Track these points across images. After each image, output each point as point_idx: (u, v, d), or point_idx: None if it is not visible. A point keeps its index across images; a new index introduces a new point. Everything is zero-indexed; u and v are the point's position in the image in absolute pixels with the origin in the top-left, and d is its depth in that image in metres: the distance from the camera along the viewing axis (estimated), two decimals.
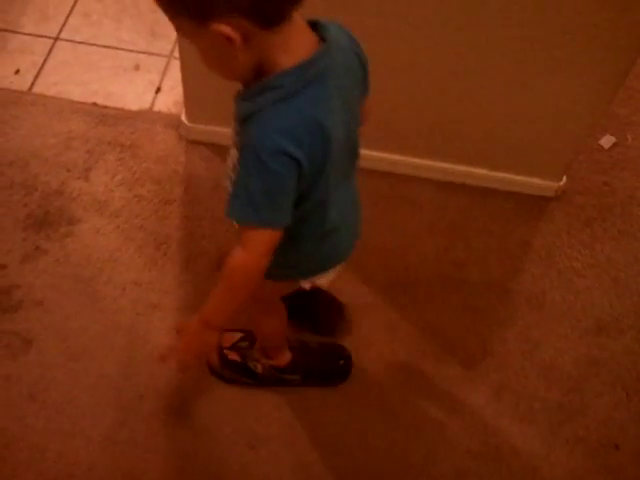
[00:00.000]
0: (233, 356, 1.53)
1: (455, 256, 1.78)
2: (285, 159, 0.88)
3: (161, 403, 1.51)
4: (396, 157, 1.87)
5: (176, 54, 2.08)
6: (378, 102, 1.69)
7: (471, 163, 1.87)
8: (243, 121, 0.93)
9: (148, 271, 1.68)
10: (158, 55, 2.09)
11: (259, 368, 1.53)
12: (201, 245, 1.73)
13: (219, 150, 1.88)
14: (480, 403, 1.58)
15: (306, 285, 1.22)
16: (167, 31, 2.13)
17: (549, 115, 1.70)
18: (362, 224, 1.24)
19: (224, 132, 1.84)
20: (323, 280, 1.22)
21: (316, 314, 1.63)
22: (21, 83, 1.98)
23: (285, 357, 1.53)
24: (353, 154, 1.07)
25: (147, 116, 1.95)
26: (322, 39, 0.92)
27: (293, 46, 0.88)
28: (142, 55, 2.09)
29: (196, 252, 1.72)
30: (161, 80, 2.04)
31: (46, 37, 2.08)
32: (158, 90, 2.02)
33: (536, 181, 1.87)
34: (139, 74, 2.05)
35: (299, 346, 1.55)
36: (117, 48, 2.08)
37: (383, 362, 1.61)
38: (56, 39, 2.08)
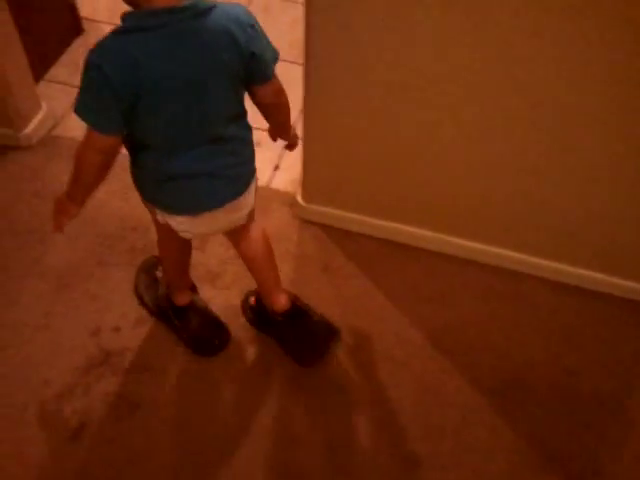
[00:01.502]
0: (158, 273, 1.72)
1: (566, 363, 1.71)
2: (99, 72, 1.12)
3: None
4: (510, 253, 1.84)
5: (296, 133, 2.15)
6: (496, 199, 1.71)
7: (587, 266, 1.81)
8: None
9: (257, 346, 1.70)
10: None
11: (157, 290, 1.70)
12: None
13: (332, 232, 1.92)
14: None
15: (159, 218, 1.40)
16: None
17: None
18: (230, 198, 1.38)
19: (338, 215, 1.91)
20: (173, 223, 1.39)
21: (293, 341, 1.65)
22: None
23: (180, 299, 1.66)
24: (204, 120, 1.24)
25: (264, 193, 2.00)
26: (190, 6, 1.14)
27: (159, 2, 1.12)
28: (264, 133, 2.16)
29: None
30: (280, 158, 2.11)
31: None
32: (276, 168, 2.08)
33: None
34: (260, 150, 2.08)
35: (198, 307, 1.68)
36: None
37: (481, 471, 1.55)
38: None
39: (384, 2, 1.40)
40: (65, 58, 2.36)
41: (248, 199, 1.44)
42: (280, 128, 1.48)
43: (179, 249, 1.58)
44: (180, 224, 1.39)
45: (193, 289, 1.71)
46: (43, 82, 2.26)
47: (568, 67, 1.41)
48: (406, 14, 1.41)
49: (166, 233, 1.47)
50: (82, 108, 1.18)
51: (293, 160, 2.06)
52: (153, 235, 1.63)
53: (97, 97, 1.16)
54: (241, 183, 1.40)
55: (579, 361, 1.71)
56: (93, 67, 1.13)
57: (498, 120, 1.55)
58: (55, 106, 2.18)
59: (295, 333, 1.63)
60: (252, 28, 1.23)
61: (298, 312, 1.62)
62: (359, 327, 1.74)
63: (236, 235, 1.55)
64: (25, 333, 1.69)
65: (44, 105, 2.12)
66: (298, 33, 2.07)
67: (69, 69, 2.31)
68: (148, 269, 1.77)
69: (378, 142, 1.70)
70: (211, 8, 1.18)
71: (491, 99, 1.51)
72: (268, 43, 1.29)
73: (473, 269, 1.87)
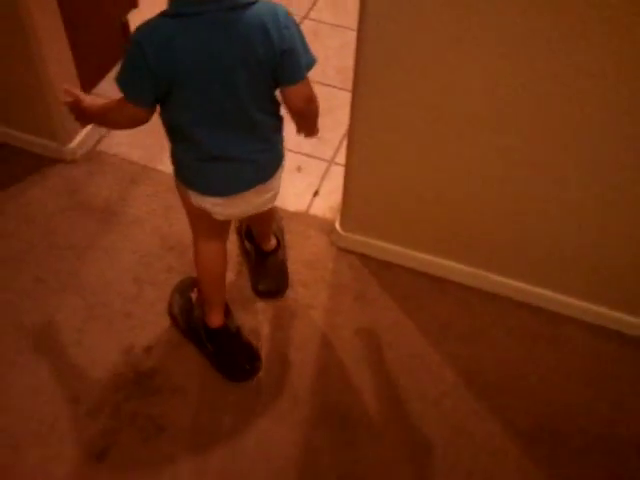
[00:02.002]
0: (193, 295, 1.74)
1: (603, 410, 1.65)
2: (138, 48, 1.21)
3: None
4: (549, 293, 1.79)
5: (337, 160, 2.15)
6: (537, 238, 1.68)
7: (629, 311, 1.76)
8: None
9: (283, 372, 1.68)
10: (320, 159, 2.16)
11: (192, 312, 1.71)
12: (336, 355, 1.72)
13: (368, 261, 1.90)
14: None
15: (193, 201, 1.46)
16: (331, 137, 2.21)
17: None
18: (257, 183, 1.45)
19: (375, 244, 1.89)
20: (207, 205, 1.45)
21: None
22: None
23: (214, 319, 1.64)
24: (236, 106, 1.30)
25: (303, 218, 2.00)
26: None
27: None
28: (305, 158, 2.17)
29: (332, 362, 1.71)
30: (320, 184, 2.10)
31: None
32: (316, 193, 2.08)
33: None
34: (300, 176, 2.13)
35: (231, 330, 1.66)
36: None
37: None
38: None
39: (436, 33, 1.39)
40: (114, 73, 2.39)
41: (275, 183, 1.51)
42: (307, 131, 1.49)
43: (211, 260, 1.60)
44: (214, 206, 1.45)
45: (227, 313, 1.70)
46: (92, 96, 2.29)
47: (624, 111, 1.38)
48: (457, 45, 1.40)
49: (197, 220, 1.55)
50: (120, 78, 1.28)
51: (333, 187, 2.06)
52: (191, 256, 1.64)
53: (133, 71, 1.26)
54: (270, 168, 1.46)
55: (616, 409, 1.65)
56: (134, 43, 1.23)
57: (545, 158, 1.52)
58: None
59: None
60: (287, 29, 1.27)
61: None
62: (391, 361, 1.71)
63: None
64: (57, 348, 1.70)
65: None
66: (345, 59, 2.08)
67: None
68: (183, 291, 1.78)
69: (421, 173, 1.68)
70: (251, 3, 1.24)
71: (542, 136, 1.49)
72: (304, 47, 1.32)
73: (510, 307, 1.83)
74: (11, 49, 1.86)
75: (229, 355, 1.67)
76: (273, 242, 1.84)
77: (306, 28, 2.56)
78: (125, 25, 2.39)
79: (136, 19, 2.48)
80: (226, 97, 1.28)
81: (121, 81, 1.28)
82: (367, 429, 1.60)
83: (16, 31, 1.79)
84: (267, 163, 1.45)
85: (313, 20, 2.61)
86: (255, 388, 1.65)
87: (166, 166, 2.04)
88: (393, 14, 1.39)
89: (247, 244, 1.88)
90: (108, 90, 2.31)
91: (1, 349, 1.69)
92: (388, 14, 1.39)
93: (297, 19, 2.56)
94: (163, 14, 1.23)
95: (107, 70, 2.37)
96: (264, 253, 1.83)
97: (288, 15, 1.28)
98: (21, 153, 2.11)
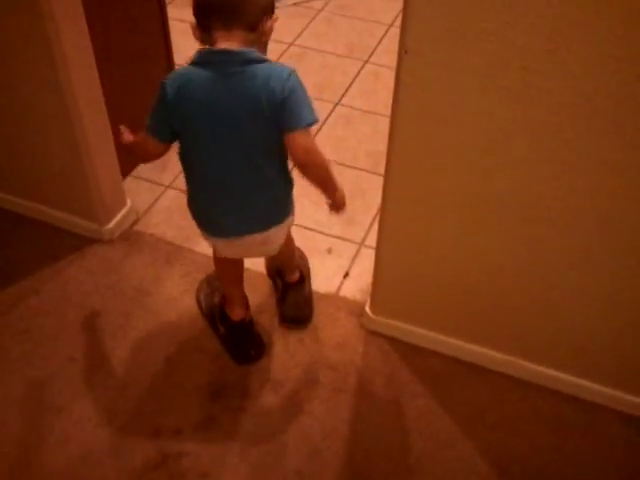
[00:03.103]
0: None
1: None
2: (162, 89, 1.41)
3: None
4: (584, 382, 1.76)
5: (367, 242, 2.18)
6: (572, 326, 1.66)
7: None
8: None
9: (311, 461, 1.66)
10: (350, 241, 2.19)
11: (214, 298, 1.92)
12: (365, 442, 1.70)
13: (399, 345, 1.89)
14: None
15: (205, 239, 1.65)
16: (362, 219, 2.25)
17: None
18: (249, 229, 1.57)
19: (406, 328, 1.89)
20: (209, 243, 1.66)
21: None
22: None
23: (233, 313, 1.83)
24: (240, 151, 1.44)
25: (332, 300, 2.01)
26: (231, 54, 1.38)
27: (217, 44, 1.39)
28: (335, 239, 2.20)
29: (360, 450, 1.68)
30: (350, 266, 2.12)
31: None
32: (346, 275, 2.09)
33: None
34: (330, 257, 2.15)
35: (246, 322, 1.85)
36: (314, 230, 2.21)
37: None
38: None
39: (466, 124, 1.42)
40: None
41: (276, 236, 1.62)
42: (319, 188, 1.54)
43: (226, 264, 1.78)
44: (216, 243, 1.64)
45: (246, 306, 1.87)
46: (130, 178, 2.37)
47: None
48: (488, 137, 1.43)
49: (215, 254, 1.76)
50: (149, 114, 1.47)
51: (364, 269, 2.07)
52: None
53: (156, 107, 1.45)
54: (270, 219, 1.58)
55: None
56: (161, 85, 1.42)
57: (576, 248, 1.52)
58: (138, 202, 2.29)
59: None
60: (289, 82, 1.38)
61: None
62: (421, 450, 1.68)
63: None
64: (87, 428, 1.70)
65: (129, 201, 2.22)
66: (376, 144, 2.13)
67: (155, 166, 2.42)
68: (211, 281, 1.99)
69: (451, 259, 1.69)
70: (261, 61, 1.39)
71: (573, 227, 1.49)
72: (308, 104, 1.41)
73: (544, 395, 1.79)
74: (55, 134, 1.94)
75: (239, 342, 1.86)
76: (296, 275, 1.96)
77: (338, 114, 2.65)
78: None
79: None
80: (230, 142, 1.43)
81: (148, 117, 1.47)
82: None
83: (60, 116, 1.88)
84: (267, 214, 1.57)
85: (345, 106, 2.70)
86: (282, 476, 1.63)
87: (200, 247, 2.10)
88: (425, 103, 1.43)
89: (277, 280, 2.01)
90: (146, 172, 2.40)
91: (30, 428, 1.70)
92: (420, 103, 1.44)
93: (330, 105, 2.66)
94: (189, 62, 1.42)
95: None
96: (288, 285, 1.96)
97: (293, 75, 1.39)
98: (61, 232, 2.18)
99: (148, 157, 1.57)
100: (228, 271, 1.82)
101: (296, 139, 1.41)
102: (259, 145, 1.45)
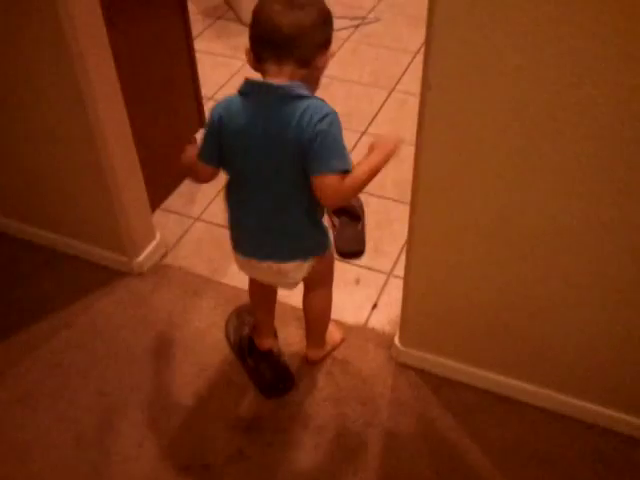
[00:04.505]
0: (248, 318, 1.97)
1: None
2: (211, 116, 1.48)
3: None
4: (622, 416, 1.71)
5: (396, 272, 2.16)
6: (607, 358, 1.62)
7: None
8: None
9: None
10: (378, 272, 2.18)
11: (243, 331, 1.94)
12: (395, 477, 1.66)
13: (429, 378, 1.86)
14: None
15: (237, 262, 1.68)
16: (390, 249, 2.23)
17: None
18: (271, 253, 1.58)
19: (436, 360, 1.86)
20: (234, 257, 1.67)
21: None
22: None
23: (262, 343, 1.88)
24: (269, 177, 1.47)
25: (361, 332, 1.99)
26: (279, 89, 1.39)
27: (266, 77, 1.41)
28: (363, 270, 2.19)
29: None
30: (378, 297, 2.10)
31: None
32: (374, 306, 2.07)
33: None
34: (358, 288, 2.14)
35: (274, 353, 1.88)
36: (342, 260, 2.20)
37: None
38: None
39: (494, 156, 1.41)
40: (182, 188, 2.49)
41: (294, 271, 1.61)
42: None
43: (259, 290, 1.81)
44: (237, 260, 1.67)
45: (274, 336, 1.92)
46: (159, 211, 2.40)
47: None
48: (516, 169, 1.41)
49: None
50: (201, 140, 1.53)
51: (392, 299, 2.06)
52: None
53: (206, 134, 1.50)
54: (288, 252, 1.58)
55: None
56: (211, 112, 1.48)
57: (607, 279, 1.49)
58: (168, 235, 2.30)
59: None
60: (321, 123, 1.36)
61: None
62: None
63: (305, 285, 1.78)
64: (115, 461, 1.71)
65: (158, 234, 2.24)
66: (403, 172, 2.11)
67: (184, 199, 2.45)
68: (240, 313, 2.01)
69: (481, 290, 1.67)
70: (301, 97, 1.38)
71: (604, 259, 1.46)
72: (336, 149, 1.39)
73: (579, 429, 1.74)
74: (84, 169, 1.97)
75: (268, 375, 1.86)
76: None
77: (365, 143, 2.64)
78: (194, 139, 2.51)
79: None
80: (263, 169, 1.46)
81: (201, 143, 1.53)
82: None
83: (90, 151, 1.91)
84: (284, 247, 1.57)
85: (372, 135, 2.70)
86: None
87: (229, 278, 2.10)
88: (449, 137, 1.42)
89: (334, 218, 2.21)
90: (175, 205, 2.43)
91: (58, 464, 1.71)
92: (444, 137, 1.43)
93: (357, 135, 2.66)
94: (237, 91, 1.46)
95: (175, 186, 2.49)
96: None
97: (333, 117, 1.37)
98: (91, 266, 2.20)
99: (199, 179, 1.61)
100: (260, 297, 1.84)
101: (323, 181, 1.39)
102: (285, 180, 1.46)
